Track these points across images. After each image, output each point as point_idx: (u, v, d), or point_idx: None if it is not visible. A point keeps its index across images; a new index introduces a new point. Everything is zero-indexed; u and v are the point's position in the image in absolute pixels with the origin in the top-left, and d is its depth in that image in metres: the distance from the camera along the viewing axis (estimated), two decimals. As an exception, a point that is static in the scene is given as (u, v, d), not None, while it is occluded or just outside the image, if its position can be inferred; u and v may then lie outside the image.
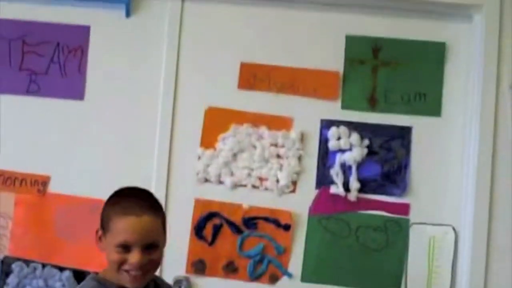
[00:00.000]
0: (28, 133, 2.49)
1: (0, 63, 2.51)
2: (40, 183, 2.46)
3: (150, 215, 1.67)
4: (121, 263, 1.63)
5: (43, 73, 2.51)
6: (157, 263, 1.69)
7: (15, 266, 2.42)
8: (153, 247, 1.66)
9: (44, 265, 2.42)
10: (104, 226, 1.68)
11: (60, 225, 2.45)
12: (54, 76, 2.51)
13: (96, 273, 1.78)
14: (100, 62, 2.52)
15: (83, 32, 2.52)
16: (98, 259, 2.38)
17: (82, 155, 2.48)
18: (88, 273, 2.36)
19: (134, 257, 1.62)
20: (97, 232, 1.71)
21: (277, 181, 2.47)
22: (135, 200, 1.69)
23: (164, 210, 1.79)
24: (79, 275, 2.41)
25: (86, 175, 2.47)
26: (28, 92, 2.51)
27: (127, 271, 1.64)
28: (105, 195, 2.37)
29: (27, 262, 2.42)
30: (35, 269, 2.42)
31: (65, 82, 2.51)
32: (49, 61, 2.52)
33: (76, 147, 2.49)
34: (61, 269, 2.42)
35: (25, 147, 2.48)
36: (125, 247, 1.62)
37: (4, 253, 2.43)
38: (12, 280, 2.41)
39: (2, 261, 2.43)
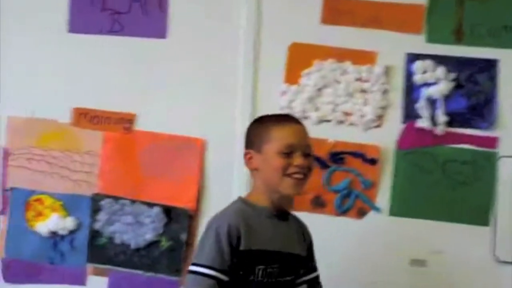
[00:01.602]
0: (112, 72, 2.50)
1: (83, 4, 2.52)
2: (126, 121, 2.48)
3: (303, 125, 1.85)
4: (286, 167, 1.75)
5: (125, 12, 2.52)
6: (311, 169, 1.81)
7: (104, 203, 2.44)
8: (308, 155, 1.79)
9: (133, 202, 2.44)
10: (260, 140, 1.79)
11: (147, 162, 2.47)
12: (136, 15, 2.52)
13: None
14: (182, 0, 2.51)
15: (163, -31, 2.52)
16: (187, 194, 2.44)
17: (166, 93, 2.49)
18: (177, 208, 2.43)
19: (298, 159, 1.76)
20: (246, 154, 1.83)
21: (362, 116, 2.45)
22: (284, 114, 1.98)
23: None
24: (168, 211, 2.43)
25: (171, 113, 2.48)
26: (111, 31, 2.52)
27: (290, 175, 1.75)
28: (190, 132, 2.44)
29: (116, 198, 2.45)
30: (124, 205, 2.44)
31: (147, 21, 2.52)
32: (130, 0, 2.52)
33: (160, 85, 2.49)
34: (150, 205, 2.44)
35: (110, 86, 2.50)
36: (288, 153, 1.75)
37: (93, 190, 2.46)
38: (102, 216, 2.44)
39: (92, 198, 2.45)
